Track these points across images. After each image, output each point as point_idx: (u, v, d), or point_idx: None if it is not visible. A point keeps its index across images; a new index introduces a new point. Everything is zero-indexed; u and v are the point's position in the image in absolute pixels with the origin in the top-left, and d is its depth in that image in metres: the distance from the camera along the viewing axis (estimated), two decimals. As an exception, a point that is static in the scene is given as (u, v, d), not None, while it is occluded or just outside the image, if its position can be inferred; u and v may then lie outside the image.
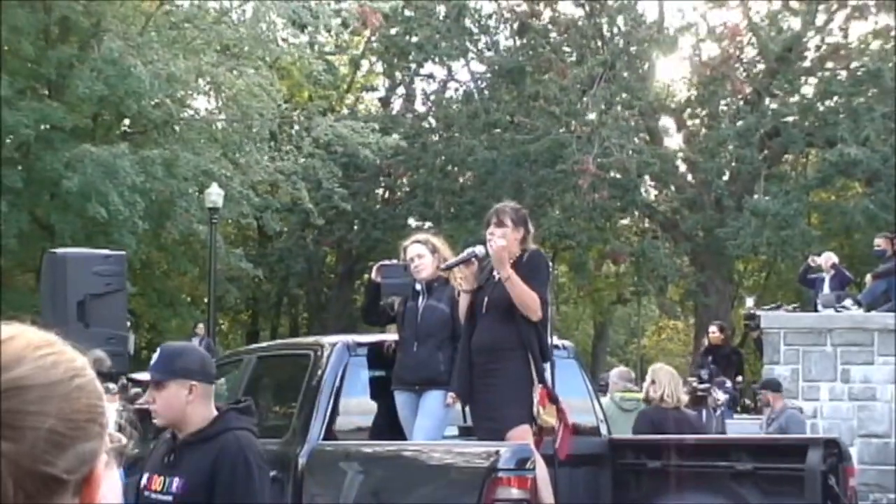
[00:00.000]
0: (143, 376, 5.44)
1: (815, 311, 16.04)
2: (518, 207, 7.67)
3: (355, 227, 33.84)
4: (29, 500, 1.26)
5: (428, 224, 30.79)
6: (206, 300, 28.49)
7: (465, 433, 7.70)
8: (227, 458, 4.35)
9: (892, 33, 29.33)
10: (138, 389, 8.87)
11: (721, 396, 14.48)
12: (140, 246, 24.73)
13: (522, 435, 6.85)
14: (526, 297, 7.11)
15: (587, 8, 31.00)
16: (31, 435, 1.26)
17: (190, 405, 4.46)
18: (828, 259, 17.68)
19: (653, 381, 9.78)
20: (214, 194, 24.20)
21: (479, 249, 7.51)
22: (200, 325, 25.15)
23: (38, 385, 1.29)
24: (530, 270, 7.24)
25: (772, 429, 11.70)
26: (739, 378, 19.27)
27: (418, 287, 7.91)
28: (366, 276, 34.89)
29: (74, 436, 1.30)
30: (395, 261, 8.20)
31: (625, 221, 34.05)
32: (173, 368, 4.51)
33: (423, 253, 7.95)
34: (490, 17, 32.33)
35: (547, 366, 7.30)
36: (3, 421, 1.25)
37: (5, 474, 1.24)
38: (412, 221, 32.73)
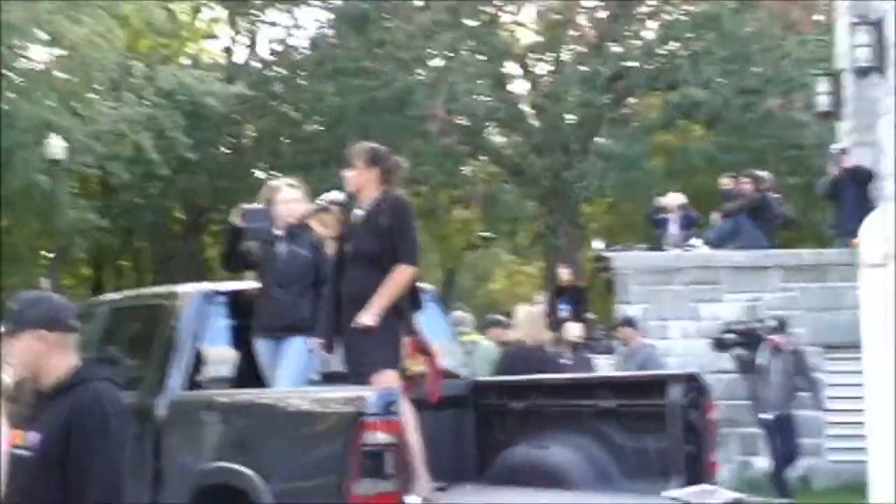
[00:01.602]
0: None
1: (663, 251, 16.31)
2: (373, 146, 7.40)
3: (201, 178, 33.23)
4: None
5: (275, 173, 30.39)
6: (47, 254, 27.70)
7: (328, 380, 7.62)
8: (83, 410, 4.20)
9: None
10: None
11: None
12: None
13: (389, 379, 6.80)
14: (400, 290, 7.03)
15: (431, -47, 30.81)
16: None
17: (45, 356, 4.30)
18: (675, 200, 17.93)
19: (510, 325, 9.85)
20: (55, 146, 23.54)
21: (337, 195, 7.39)
22: (44, 281, 24.56)
23: None
24: (392, 221, 7.09)
25: (629, 366, 11.84)
26: (590, 315, 19.63)
27: (278, 232, 7.76)
28: (212, 226, 34.51)
29: None
30: (257, 205, 8.01)
31: (471, 167, 34.07)
32: (25, 319, 4.33)
33: (297, 196, 7.82)
34: (334, -38, 31.96)
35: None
36: None
37: None
38: (259, 172, 32.28)
